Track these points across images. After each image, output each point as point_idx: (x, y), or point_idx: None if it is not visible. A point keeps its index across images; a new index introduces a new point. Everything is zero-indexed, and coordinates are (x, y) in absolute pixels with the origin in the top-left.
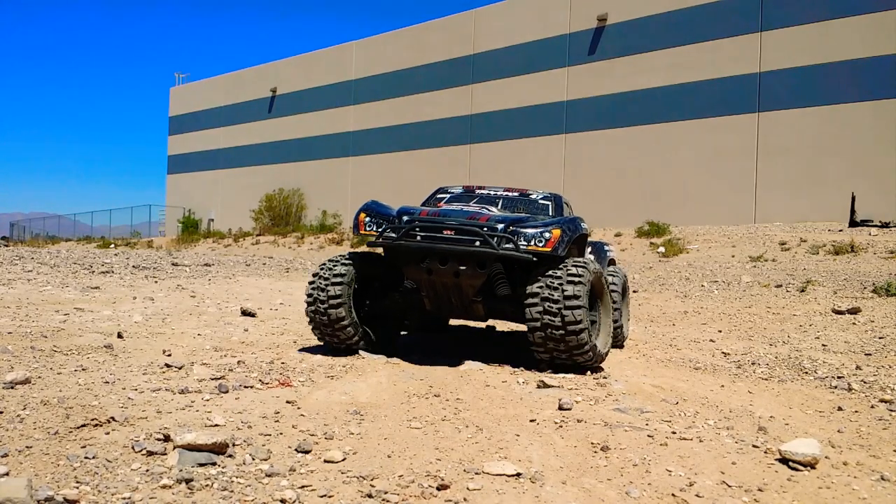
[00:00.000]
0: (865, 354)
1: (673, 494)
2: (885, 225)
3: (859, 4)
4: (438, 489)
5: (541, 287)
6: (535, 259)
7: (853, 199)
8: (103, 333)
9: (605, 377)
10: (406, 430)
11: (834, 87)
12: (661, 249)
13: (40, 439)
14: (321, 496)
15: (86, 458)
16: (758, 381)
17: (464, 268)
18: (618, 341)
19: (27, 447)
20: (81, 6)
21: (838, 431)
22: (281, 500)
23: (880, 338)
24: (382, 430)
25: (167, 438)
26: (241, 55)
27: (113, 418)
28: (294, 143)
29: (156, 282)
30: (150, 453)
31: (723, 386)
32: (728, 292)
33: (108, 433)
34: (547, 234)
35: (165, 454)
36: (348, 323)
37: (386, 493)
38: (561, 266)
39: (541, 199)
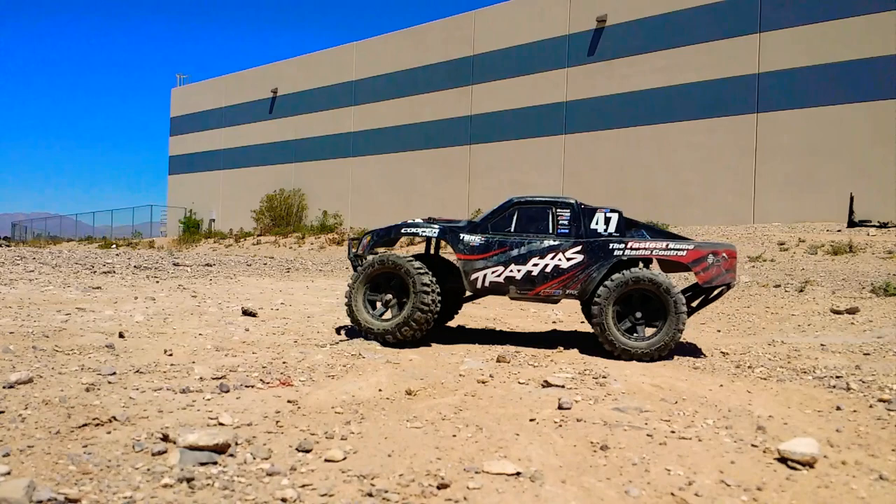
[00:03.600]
0: (864, 354)
1: (672, 493)
2: (883, 225)
3: (857, 6)
4: (438, 488)
5: None
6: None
7: (851, 199)
8: (105, 333)
9: (604, 377)
10: (406, 430)
11: (832, 88)
12: None
13: (42, 439)
14: (322, 495)
15: (87, 457)
16: (756, 381)
17: None
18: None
19: (29, 447)
20: (84, 9)
21: (837, 431)
22: (282, 499)
23: (879, 337)
24: (383, 430)
25: (168, 438)
26: (242, 56)
27: (114, 418)
28: (295, 143)
29: (157, 282)
30: (152, 452)
31: (722, 385)
32: (727, 292)
33: (109, 432)
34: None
35: (167, 453)
36: None
37: (386, 491)
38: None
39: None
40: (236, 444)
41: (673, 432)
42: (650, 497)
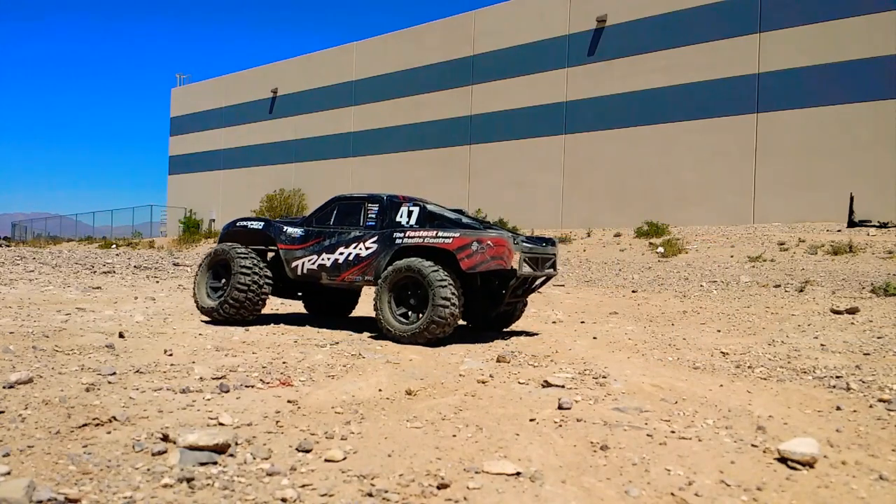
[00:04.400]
0: (864, 354)
1: (672, 493)
2: (883, 225)
3: (857, 5)
4: (438, 488)
5: None
6: None
7: (851, 199)
8: (105, 333)
9: (604, 377)
10: (406, 430)
11: (832, 87)
12: (661, 250)
13: (42, 439)
14: (322, 495)
15: (87, 457)
16: (756, 381)
17: None
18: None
19: (29, 447)
20: (84, 9)
21: (837, 431)
22: (282, 499)
23: (879, 337)
24: (383, 430)
25: (168, 438)
26: (242, 56)
27: (114, 418)
28: (295, 143)
29: (157, 282)
30: (152, 452)
31: (721, 385)
32: (727, 292)
33: (109, 432)
34: None
35: (167, 453)
36: None
37: (386, 491)
38: None
39: None
40: (236, 444)
41: (673, 432)
42: (650, 497)
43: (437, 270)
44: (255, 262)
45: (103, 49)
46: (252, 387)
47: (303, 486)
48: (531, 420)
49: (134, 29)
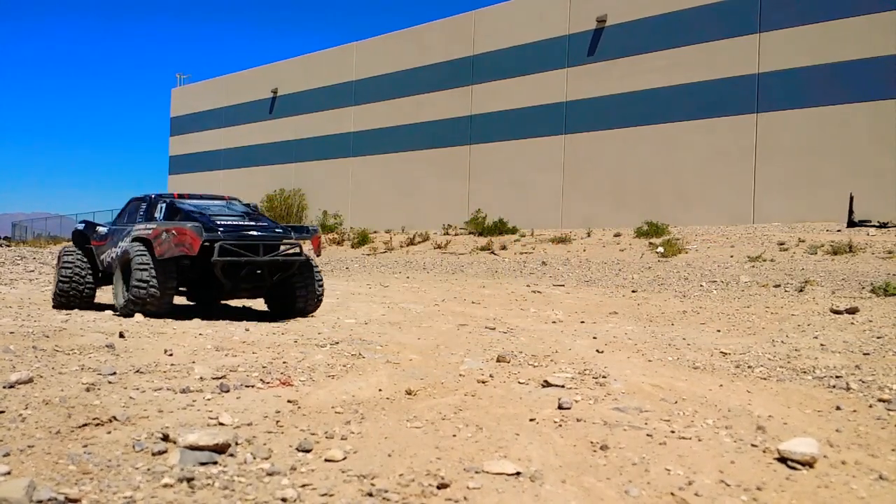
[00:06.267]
0: (864, 354)
1: (672, 493)
2: (882, 225)
3: (857, 5)
4: (438, 488)
5: None
6: None
7: (851, 199)
8: (105, 333)
9: (604, 377)
10: (406, 430)
11: (832, 87)
12: (660, 250)
13: (42, 438)
14: (322, 495)
15: (87, 457)
16: (756, 381)
17: None
18: None
19: (29, 446)
20: (84, 9)
21: (837, 431)
22: (282, 499)
23: (878, 337)
24: (383, 430)
25: (168, 438)
26: (242, 56)
27: (114, 417)
28: (295, 143)
29: None
30: (152, 452)
31: (721, 385)
32: (727, 292)
33: (109, 432)
34: None
35: (167, 453)
36: None
37: (386, 491)
38: None
39: None
40: (236, 443)
41: (673, 432)
42: (650, 497)
43: (142, 254)
44: (79, 258)
45: (103, 49)
46: (252, 387)
47: (303, 485)
48: (531, 420)
49: (134, 29)
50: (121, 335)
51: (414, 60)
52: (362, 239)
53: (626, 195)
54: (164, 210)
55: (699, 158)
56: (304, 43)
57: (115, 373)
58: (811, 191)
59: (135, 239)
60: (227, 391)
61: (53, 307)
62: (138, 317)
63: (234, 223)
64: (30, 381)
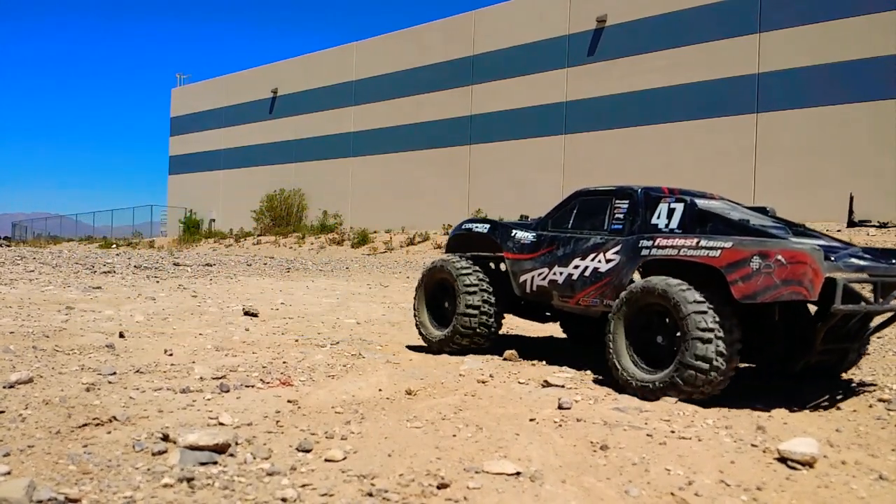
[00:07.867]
0: None
1: (672, 493)
2: (883, 225)
3: (858, 5)
4: (438, 488)
5: None
6: None
7: (851, 199)
8: (105, 333)
9: (604, 377)
10: (406, 430)
11: (832, 87)
12: None
13: (42, 438)
14: (322, 495)
15: (87, 457)
16: (754, 378)
17: None
18: None
19: (29, 446)
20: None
21: (837, 431)
22: (282, 499)
23: (878, 338)
24: (383, 430)
25: (169, 438)
26: (242, 56)
27: (115, 417)
28: (295, 143)
29: (157, 282)
30: (152, 452)
31: None
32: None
33: (109, 432)
34: None
35: (167, 453)
36: None
37: (386, 491)
38: None
39: None
40: (236, 443)
41: (673, 432)
42: (650, 497)
43: (688, 290)
44: (480, 276)
45: (103, 49)
46: (252, 387)
47: (303, 485)
48: (531, 420)
49: (134, 29)
50: (121, 335)
51: (414, 60)
52: (362, 239)
53: None
54: (681, 215)
55: (699, 158)
56: (304, 43)
57: (115, 373)
58: (811, 191)
59: (652, 262)
60: (227, 391)
61: (442, 352)
62: (138, 316)
63: (828, 243)
64: (30, 381)
